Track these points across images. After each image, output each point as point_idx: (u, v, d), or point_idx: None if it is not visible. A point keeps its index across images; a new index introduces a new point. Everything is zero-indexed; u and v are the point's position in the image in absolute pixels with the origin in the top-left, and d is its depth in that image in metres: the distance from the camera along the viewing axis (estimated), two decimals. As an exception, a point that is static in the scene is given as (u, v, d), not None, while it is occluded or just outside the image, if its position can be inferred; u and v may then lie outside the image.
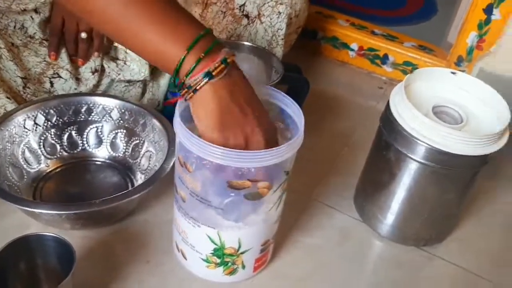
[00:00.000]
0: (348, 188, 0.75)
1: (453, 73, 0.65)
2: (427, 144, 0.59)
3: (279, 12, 0.76)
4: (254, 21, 0.77)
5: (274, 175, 0.52)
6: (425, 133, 0.59)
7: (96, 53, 0.75)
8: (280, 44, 0.78)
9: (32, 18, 0.72)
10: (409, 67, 1.01)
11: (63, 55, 0.74)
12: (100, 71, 0.77)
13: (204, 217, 0.54)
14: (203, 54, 0.45)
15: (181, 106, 0.52)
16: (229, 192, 0.51)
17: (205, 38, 0.45)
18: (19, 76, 0.71)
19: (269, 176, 0.52)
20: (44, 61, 0.73)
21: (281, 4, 0.77)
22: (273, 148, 0.49)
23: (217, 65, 0.45)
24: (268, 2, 0.76)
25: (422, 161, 0.61)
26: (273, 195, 0.53)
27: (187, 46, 0.44)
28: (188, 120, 0.51)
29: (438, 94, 0.65)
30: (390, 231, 0.69)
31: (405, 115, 0.60)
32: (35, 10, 0.72)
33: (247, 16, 0.77)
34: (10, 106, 0.69)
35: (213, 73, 0.45)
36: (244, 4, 0.76)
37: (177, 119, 0.51)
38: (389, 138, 0.63)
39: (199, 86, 0.45)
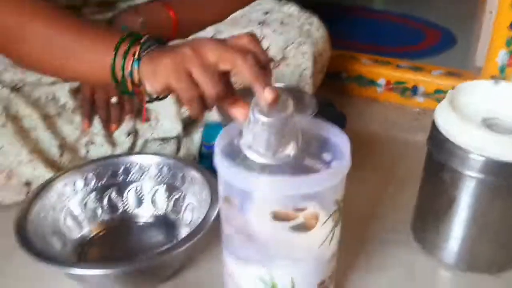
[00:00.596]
0: (402, 222, 0.71)
1: (495, 82, 0.63)
2: (484, 156, 0.55)
3: (303, 52, 0.76)
4: (279, 64, 0.77)
5: (323, 204, 0.49)
6: (480, 145, 0.56)
7: (128, 116, 0.76)
8: (309, 83, 0.78)
9: (63, 88, 0.73)
10: (441, 95, 0.99)
11: (96, 122, 0.75)
12: (134, 133, 0.77)
13: (252, 254, 0.51)
14: (126, 48, 0.53)
15: (220, 142, 0.51)
16: (275, 225, 0.48)
17: (127, 39, 0.54)
18: (55, 146, 0.71)
19: (318, 206, 0.49)
20: (78, 129, 0.73)
21: (304, 44, 0.77)
22: (319, 173, 0.47)
23: (139, 51, 0.53)
24: (292, 44, 0.77)
25: (480, 176, 0.57)
26: (323, 228, 0.50)
27: (114, 47, 0.54)
28: (229, 158, 0.49)
29: (485, 106, 0.62)
30: (458, 259, 0.64)
31: (455, 130, 0.58)
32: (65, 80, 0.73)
33: (272, 60, 0.77)
34: (48, 175, 0.69)
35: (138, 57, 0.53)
36: (268, 48, 0.76)
37: (217, 156, 0.49)
38: (440, 159, 0.60)
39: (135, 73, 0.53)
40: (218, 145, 0.51)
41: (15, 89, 0.70)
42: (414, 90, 1.01)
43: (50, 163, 0.70)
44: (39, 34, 0.57)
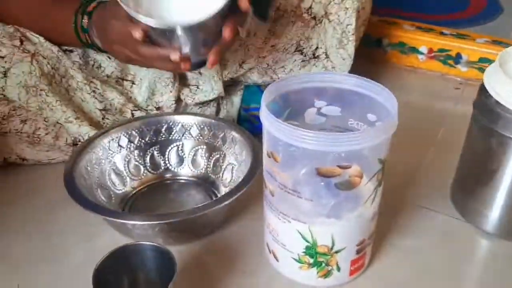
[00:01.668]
0: (442, 187, 0.70)
1: (550, 46, 0.61)
2: (535, 121, 0.54)
3: (346, 8, 0.75)
4: (322, 20, 0.76)
5: (367, 163, 0.49)
6: (532, 110, 0.54)
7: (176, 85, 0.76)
8: (351, 40, 0.76)
9: (110, 58, 0.74)
10: (485, 64, 0.96)
11: (144, 91, 0.75)
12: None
13: (294, 210, 0.52)
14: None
15: (267, 98, 0.51)
16: (319, 181, 0.48)
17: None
18: (98, 108, 0.73)
19: (361, 164, 0.48)
20: (123, 95, 0.74)
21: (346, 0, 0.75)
22: (364, 130, 0.46)
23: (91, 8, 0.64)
24: (334, 0, 0.75)
25: (530, 142, 0.55)
26: (366, 186, 0.50)
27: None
28: (275, 114, 0.49)
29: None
30: (499, 226, 0.63)
31: (505, 93, 0.56)
32: None
33: (314, 17, 0.76)
34: (93, 133, 0.71)
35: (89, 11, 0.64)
36: (310, 7, 0.75)
37: (263, 108, 0.50)
38: (488, 124, 0.59)
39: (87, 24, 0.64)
40: (264, 100, 0.51)
41: (65, 51, 0.72)
42: (458, 58, 0.98)
43: (94, 123, 0.72)
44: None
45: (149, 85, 0.75)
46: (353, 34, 0.75)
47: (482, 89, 0.60)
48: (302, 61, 0.78)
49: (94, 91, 0.72)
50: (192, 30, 0.56)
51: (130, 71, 0.75)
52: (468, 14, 1.24)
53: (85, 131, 0.71)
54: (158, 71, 0.74)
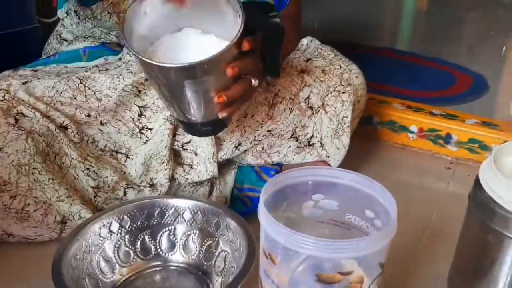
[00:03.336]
0: (438, 277, 0.69)
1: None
2: (534, 221, 0.54)
3: (342, 100, 0.77)
4: (319, 111, 0.77)
5: (368, 267, 0.48)
6: (528, 209, 0.54)
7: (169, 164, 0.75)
8: (347, 131, 0.77)
9: (101, 131, 0.74)
10: (475, 145, 0.98)
11: (135, 167, 0.74)
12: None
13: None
14: None
15: (265, 194, 0.51)
16: (319, 287, 0.47)
17: None
18: (90, 186, 0.72)
19: (362, 269, 0.48)
20: (117, 171, 0.73)
21: (343, 93, 0.77)
22: (368, 236, 0.46)
23: None
24: (331, 92, 0.77)
25: (527, 240, 0.55)
26: (368, 291, 0.49)
27: None
28: (273, 209, 0.49)
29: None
30: (499, 324, 0.61)
31: (502, 192, 0.56)
32: (101, 123, 0.74)
33: (311, 107, 0.77)
34: (84, 212, 0.70)
35: None
36: (308, 97, 0.77)
37: (261, 207, 0.49)
38: (484, 220, 0.59)
39: None
40: (263, 197, 0.50)
41: (62, 127, 0.71)
42: (448, 138, 1.00)
43: (86, 201, 0.71)
44: None
45: (144, 161, 0.74)
46: (348, 126, 0.77)
47: (477, 184, 0.60)
48: (296, 147, 0.79)
49: (88, 169, 0.72)
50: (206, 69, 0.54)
51: (125, 144, 0.74)
52: (455, 91, 1.28)
53: (76, 210, 0.70)
54: (155, 147, 0.73)
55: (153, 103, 0.74)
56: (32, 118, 0.69)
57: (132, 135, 0.73)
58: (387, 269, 0.57)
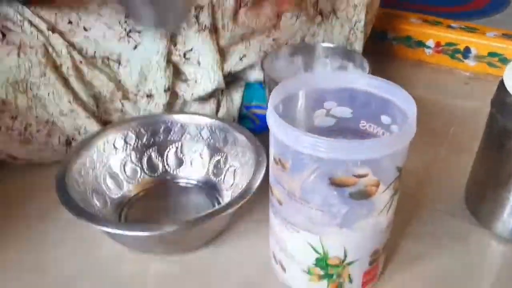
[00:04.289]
0: (456, 189, 0.67)
1: None
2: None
3: (355, 4, 0.71)
4: (329, 17, 0.72)
5: (383, 170, 0.46)
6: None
7: (167, 72, 0.71)
8: (360, 37, 0.72)
9: (87, 37, 0.68)
10: (495, 58, 0.93)
11: (134, 75, 0.71)
12: (172, 93, 0.73)
13: (304, 221, 0.48)
14: None
15: (273, 100, 0.48)
16: (332, 190, 0.45)
17: None
18: (89, 96, 0.68)
19: (378, 172, 0.45)
20: (111, 81, 0.70)
21: None
22: (382, 137, 0.43)
23: None
24: None
25: (553, 145, 0.52)
26: (383, 195, 0.46)
27: None
28: (282, 116, 0.45)
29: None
30: (517, 233, 0.60)
31: (529, 93, 0.52)
32: (84, 28, 0.67)
33: (320, 13, 0.72)
34: (90, 125, 0.68)
35: None
36: (317, 2, 0.71)
37: (270, 111, 0.46)
38: (507, 124, 0.55)
39: None
40: (272, 103, 0.47)
41: (52, 29, 0.66)
42: (466, 52, 0.95)
43: (90, 113, 0.68)
44: None
45: (141, 69, 0.70)
46: (361, 32, 0.72)
47: (501, 87, 0.56)
48: (306, 57, 0.74)
49: (82, 78, 0.68)
50: None
51: (114, 50, 0.69)
52: (474, 6, 1.20)
53: (81, 123, 0.67)
54: (149, 53, 0.69)
55: None
56: (19, 32, 0.65)
57: (120, 39, 0.69)
58: (404, 180, 0.54)
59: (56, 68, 0.66)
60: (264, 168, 0.57)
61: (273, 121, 0.46)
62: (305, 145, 0.43)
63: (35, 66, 0.64)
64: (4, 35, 0.64)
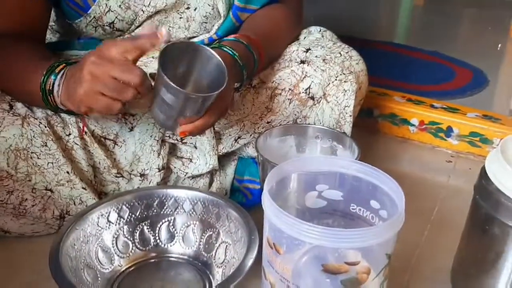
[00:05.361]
0: (443, 270, 0.68)
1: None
2: (541, 213, 0.53)
3: (344, 90, 0.75)
4: (320, 101, 0.76)
5: (374, 257, 0.47)
6: (537, 201, 0.53)
7: (161, 153, 0.74)
8: (349, 121, 0.76)
9: (87, 116, 0.70)
10: (476, 138, 0.97)
11: (126, 155, 0.73)
12: (166, 169, 0.75)
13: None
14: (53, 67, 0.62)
15: (269, 183, 0.50)
16: (325, 277, 0.46)
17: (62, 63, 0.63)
18: (89, 165, 0.70)
19: (368, 260, 0.47)
20: (108, 158, 0.72)
21: (345, 81, 0.76)
22: (373, 227, 0.45)
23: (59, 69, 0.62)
24: (332, 82, 0.76)
25: (534, 232, 0.54)
26: (373, 282, 0.48)
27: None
28: (276, 198, 0.47)
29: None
30: (503, 316, 0.61)
31: (509, 183, 0.55)
32: None
33: (312, 98, 0.76)
34: (85, 196, 0.69)
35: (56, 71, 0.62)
36: (309, 87, 0.75)
37: (266, 196, 0.48)
38: (489, 210, 0.58)
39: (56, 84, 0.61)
40: (267, 186, 0.49)
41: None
42: (449, 131, 0.99)
43: (86, 183, 0.69)
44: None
45: (135, 150, 0.72)
46: (350, 116, 0.76)
47: (483, 174, 0.59)
48: (298, 138, 0.78)
49: (85, 148, 0.70)
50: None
51: (112, 130, 0.72)
52: (456, 85, 1.27)
53: (77, 194, 0.69)
54: (143, 137, 0.72)
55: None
56: (27, 106, 0.68)
57: (117, 120, 0.71)
58: (392, 261, 0.56)
59: (58, 139, 0.68)
60: (257, 248, 0.58)
61: (268, 205, 0.48)
62: (300, 231, 0.44)
63: (37, 135, 0.66)
64: (11, 107, 0.67)
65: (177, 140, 0.75)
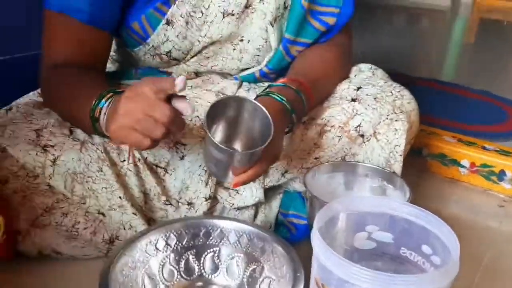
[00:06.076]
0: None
1: None
2: None
3: (395, 129, 0.75)
4: (370, 139, 0.76)
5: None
6: None
7: (209, 182, 0.75)
8: (399, 161, 0.75)
9: None
10: (530, 183, 0.94)
11: (178, 183, 0.75)
12: (213, 199, 0.76)
13: None
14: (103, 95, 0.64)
15: (319, 221, 0.50)
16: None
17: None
18: (140, 192, 0.72)
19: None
20: (158, 185, 0.73)
21: (397, 121, 0.75)
22: (426, 273, 0.44)
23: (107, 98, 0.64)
24: (383, 120, 0.75)
25: None
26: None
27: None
28: (325, 237, 0.47)
29: None
30: None
31: None
32: None
33: (362, 135, 0.76)
34: (135, 221, 0.71)
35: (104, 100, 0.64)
36: (359, 125, 0.75)
37: (316, 234, 0.48)
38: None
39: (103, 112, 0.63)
40: (317, 224, 0.49)
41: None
42: (501, 175, 0.96)
43: (137, 208, 0.71)
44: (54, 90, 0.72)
45: (184, 178, 0.74)
46: (400, 155, 0.75)
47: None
48: (346, 175, 0.77)
49: (137, 174, 0.72)
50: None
51: (164, 158, 0.74)
52: (508, 127, 1.23)
53: (127, 219, 0.70)
54: (192, 166, 0.73)
55: (190, 120, 0.75)
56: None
57: (169, 149, 0.73)
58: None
59: (113, 165, 0.71)
60: (302, 286, 0.57)
61: (318, 244, 0.48)
62: (350, 274, 0.44)
63: (94, 161, 0.69)
64: (71, 132, 0.70)
65: None
